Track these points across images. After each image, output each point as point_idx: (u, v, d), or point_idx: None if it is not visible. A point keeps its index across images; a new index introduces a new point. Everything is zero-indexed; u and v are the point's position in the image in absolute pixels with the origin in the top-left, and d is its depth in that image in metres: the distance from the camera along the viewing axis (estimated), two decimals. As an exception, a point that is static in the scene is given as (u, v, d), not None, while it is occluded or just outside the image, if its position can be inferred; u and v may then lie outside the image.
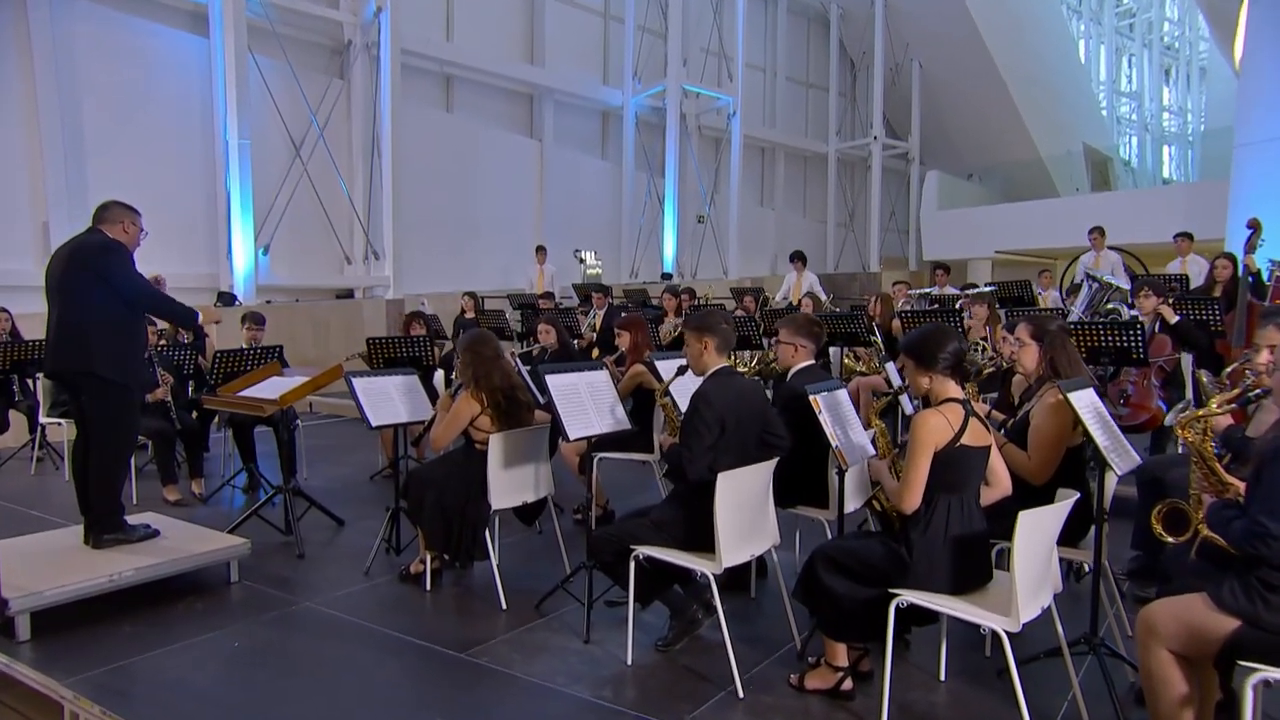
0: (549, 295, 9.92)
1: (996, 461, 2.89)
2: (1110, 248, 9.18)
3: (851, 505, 3.65)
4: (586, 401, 3.66)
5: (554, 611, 3.80)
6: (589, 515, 3.78)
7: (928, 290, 8.79)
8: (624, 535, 3.30)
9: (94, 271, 3.91)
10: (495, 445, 3.86)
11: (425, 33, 13.47)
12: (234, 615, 3.82)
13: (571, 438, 3.50)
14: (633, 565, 3.22)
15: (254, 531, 4.67)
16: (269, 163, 11.52)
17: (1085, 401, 2.84)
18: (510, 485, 3.98)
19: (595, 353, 8.36)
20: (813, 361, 4.03)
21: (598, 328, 8.59)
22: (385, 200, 12.33)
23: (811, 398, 3.32)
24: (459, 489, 3.94)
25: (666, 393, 3.61)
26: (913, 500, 2.74)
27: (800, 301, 7.72)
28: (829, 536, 3.80)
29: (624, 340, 5.26)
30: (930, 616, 2.90)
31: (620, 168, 16.62)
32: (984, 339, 6.02)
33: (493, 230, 14.55)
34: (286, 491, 4.82)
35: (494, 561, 3.89)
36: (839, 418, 3.45)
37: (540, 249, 12.65)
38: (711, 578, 3.09)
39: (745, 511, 3.22)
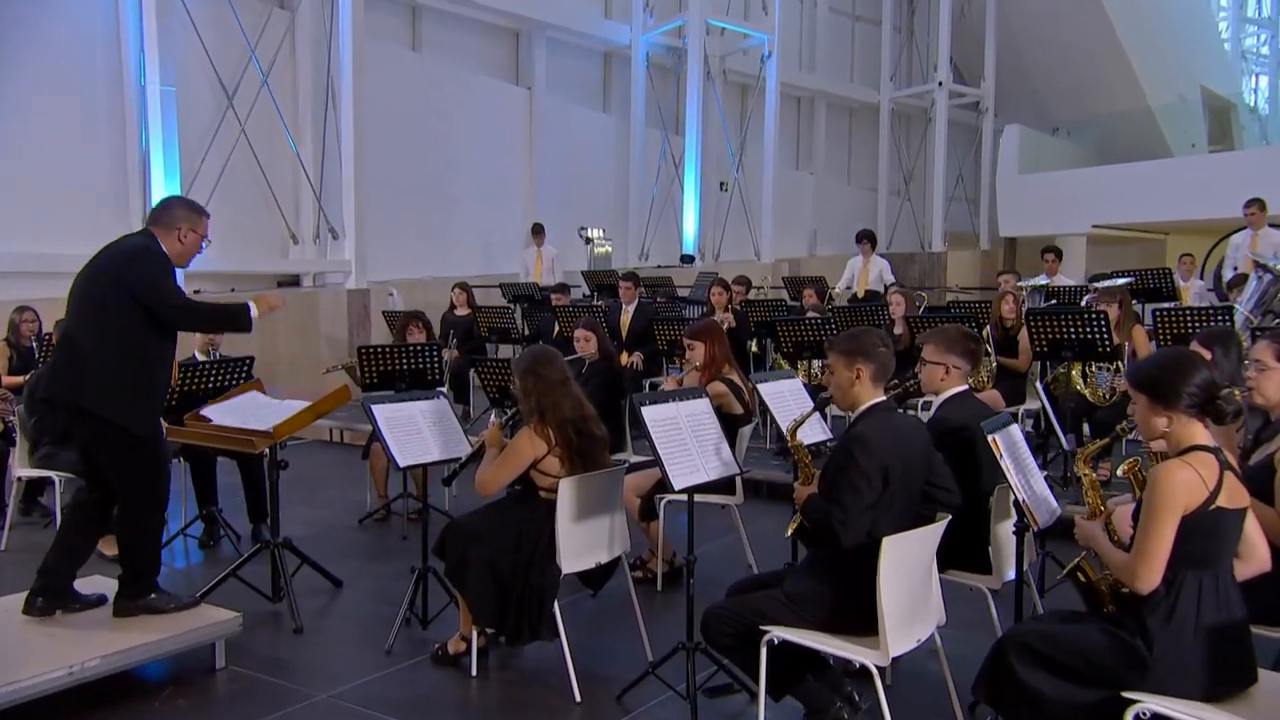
0: (563, 287, 9.77)
1: (1252, 528, 2.80)
2: (1274, 225, 9.06)
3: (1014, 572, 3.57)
4: (689, 440, 3.57)
5: (641, 706, 3.72)
6: (688, 578, 3.67)
7: (1041, 281, 8.72)
8: (750, 612, 3.22)
9: (112, 279, 3.84)
10: (566, 492, 3.76)
11: (387, -50, 13.32)
12: (227, 715, 3.70)
13: (678, 487, 3.40)
14: (764, 651, 3.13)
15: (231, 598, 4.55)
16: (195, 117, 11.29)
17: (1366, 448, 2.76)
18: (583, 542, 3.88)
19: (624, 357, 8.26)
20: (965, 386, 3.96)
21: (626, 327, 8.48)
22: (345, 164, 12.12)
23: (990, 438, 3.25)
24: (513, 547, 3.84)
25: (794, 432, 3.51)
26: (1153, 578, 2.65)
27: (888, 296, 7.61)
28: (991, 608, 3.74)
29: (696, 352, 5.17)
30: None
31: (628, 123, 16.50)
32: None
33: (473, 200, 14.39)
34: (275, 545, 4.70)
35: (565, 641, 3.79)
36: (1020, 464, 3.37)
37: (538, 227, 12.52)
38: (875, 671, 3.00)
39: (911, 585, 3.14)
